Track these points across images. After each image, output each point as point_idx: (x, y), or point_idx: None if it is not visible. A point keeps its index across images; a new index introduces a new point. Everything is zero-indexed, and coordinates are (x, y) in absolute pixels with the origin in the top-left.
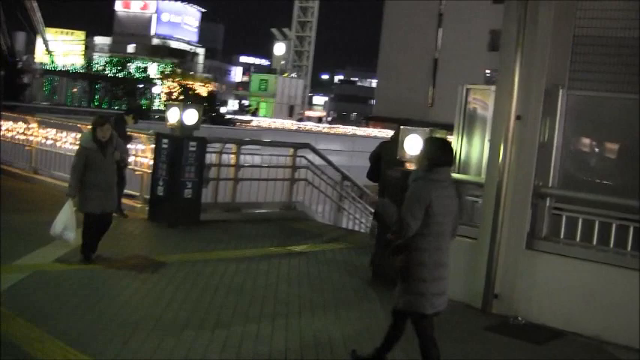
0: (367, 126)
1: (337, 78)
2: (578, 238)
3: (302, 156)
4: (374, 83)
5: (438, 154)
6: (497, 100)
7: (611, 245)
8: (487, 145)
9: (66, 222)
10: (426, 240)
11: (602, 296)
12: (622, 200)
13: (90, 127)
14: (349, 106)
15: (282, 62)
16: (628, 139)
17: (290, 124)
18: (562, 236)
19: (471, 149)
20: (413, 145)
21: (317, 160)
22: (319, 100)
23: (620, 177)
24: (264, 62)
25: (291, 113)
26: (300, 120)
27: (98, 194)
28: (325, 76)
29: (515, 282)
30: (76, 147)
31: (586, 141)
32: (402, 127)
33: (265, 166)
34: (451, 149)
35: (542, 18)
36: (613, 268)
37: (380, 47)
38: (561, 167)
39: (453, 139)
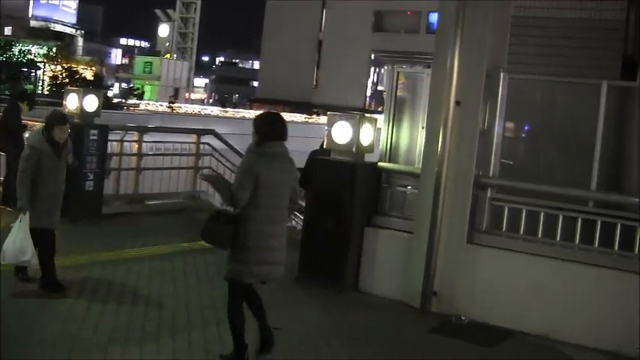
0: (251, 108)
1: (218, 60)
2: (521, 231)
3: (206, 143)
4: (256, 65)
5: (268, 128)
6: (433, 85)
7: (558, 238)
8: (421, 132)
9: (22, 243)
10: (257, 211)
11: (549, 292)
12: (567, 190)
13: (43, 124)
14: (231, 88)
15: (167, 44)
16: (570, 125)
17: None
18: (504, 229)
19: (400, 137)
20: (341, 133)
21: (219, 146)
22: (200, 82)
23: (563, 166)
24: (145, 44)
25: (176, 96)
26: (171, 103)
27: (48, 206)
28: (206, 58)
29: (456, 278)
30: None
31: (525, 127)
32: (329, 113)
33: (169, 154)
34: (282, 124)
35: None
36: (560, 262)
37: (263, 28)
38: (502, 156)
39: (383, 126)
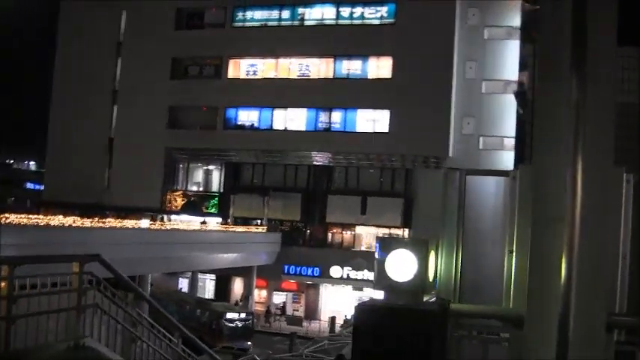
0: (38, 212)
1: None
2: None
3: (89, 272)
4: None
5: None
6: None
7: None
8: (508, 258)
9: None
10: None
11: None
12: None
13: None
14: (3, 189)
15: None
16: None
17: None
18: None
19: (463, 264)
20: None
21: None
22: None
23: None
24: None
25: None
26: None
27: None
28: None
29: None
30: None
31: None
32: (378, 236)
33: (46, 293)
34: None
35: None
36: None
37: (49, 126)
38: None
39: (442, 249)
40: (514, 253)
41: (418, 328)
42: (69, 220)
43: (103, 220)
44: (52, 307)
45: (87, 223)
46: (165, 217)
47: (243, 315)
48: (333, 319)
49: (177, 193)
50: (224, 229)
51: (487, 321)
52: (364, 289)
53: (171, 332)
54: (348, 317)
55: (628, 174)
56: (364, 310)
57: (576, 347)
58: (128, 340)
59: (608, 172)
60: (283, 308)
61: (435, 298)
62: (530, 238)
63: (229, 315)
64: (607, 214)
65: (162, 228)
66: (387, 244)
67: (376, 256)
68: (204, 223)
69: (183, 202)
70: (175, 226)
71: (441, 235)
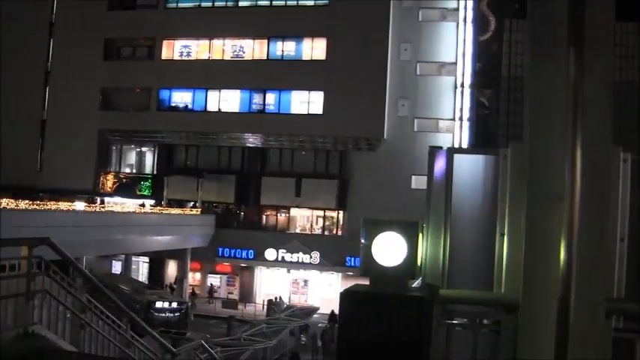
0: None
1: None
2: None
3: (37, 256)
4: None
5: None
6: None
7: None
8: (499, 240)
9: None
10: None
11: None
12: None
13: None
14: None
15: None
16: None
17: None
18: None
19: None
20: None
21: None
22: None
23: None
24: None
25: None
26: None
27: None
28: None
29: None
30: None
31: None
32: (364, 218)
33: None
34: None
35: None
36: None
37: None
38: None
39: (423, 232)
40: (505, 236)
41: (408, 316)
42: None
43: (40, 202)
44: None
45: (22, 205)
46: (99, 199)
47: (174, 305)
48: (270, 302)
49: (110, 175)
50: (159, 212)
51: (477, 307)
52: (299, 270)
53: (119, 318)
54: (279, 299)
55: (625, 153)
56: (349, 297)
57: (577, 333)
58: (77, 326)
59: (606, 151)
60: (211, 291)
61: (419, 284)
62: (524, 219)
63: (158, 304)
64: (606, 195)
65: (98, 210)
66: (373, 227)
67: (362, 239)
68: (142, 205)
69: (116, 184)
70: (110, 209)
71: (425, 217)
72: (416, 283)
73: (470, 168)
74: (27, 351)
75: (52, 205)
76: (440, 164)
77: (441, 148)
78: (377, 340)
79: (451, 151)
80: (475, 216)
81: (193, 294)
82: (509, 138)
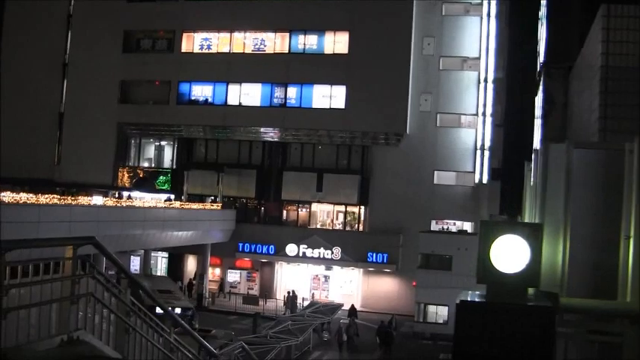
0: None
1: None
2: None
3: (84, 255)
4: None
5: None
6: None
7: None
8: (624, 244)
9: None
10: None
11: None
12: None
13: None
14: None
15: None
16: None
17: None
18: None
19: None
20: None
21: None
22: None
23: None
24: None
25: None
26: None
27: None
28: None
29: None
30: None
31: None
32: (481, 220)
33: (38, 282)
34: None
35: None
36: None
37: None
38: None
39: (547, 237)
40: (632, 239)
41: (533, 329)
42: (22, 197)
43: (58, 197)
44: (43, 296)
45: (42, 200)
46: (117, 193)
47: (178, 311)
48: (293, 299)
49: (128, 169)
50: (179, 207)
51: (599, 317)
52: (320, 266)
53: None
54: (291, 293)
55: None
56: (466, 308)
57: None
58: (122, 330)
59: None
60: (221, 285)
61: (533, 291)
62: None
63: (158, 311)
64: None
65: (119, 205)
66: (492, 229)
67: (479, 243)
68: (168, 200)
69: (134, 179)
70: (131, 204)
71: (541, 218)
72: (531, 291)
73: (588, 164)
74: (75, 356)
75: (71, 201)
76: (557, 160)
77: (560, 141)
78: (498, 353)
79: (572, 146)
80: (596, 217)
81: (199, 297)
82: (606, 132)
